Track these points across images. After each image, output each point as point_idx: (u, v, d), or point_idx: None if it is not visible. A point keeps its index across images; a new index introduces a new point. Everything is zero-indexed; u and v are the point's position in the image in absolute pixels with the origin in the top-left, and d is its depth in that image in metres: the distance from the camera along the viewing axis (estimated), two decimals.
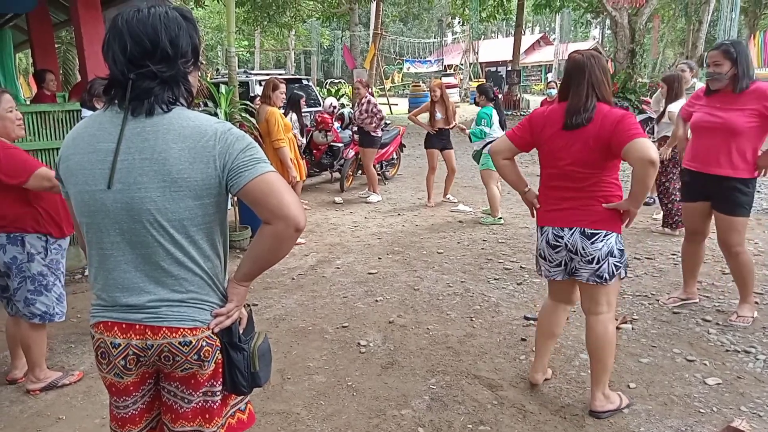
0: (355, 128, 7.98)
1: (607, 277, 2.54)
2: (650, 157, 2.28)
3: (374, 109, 7.44)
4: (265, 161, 1.42)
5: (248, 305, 1.63)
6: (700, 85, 5.49)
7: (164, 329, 1.43)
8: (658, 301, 3.98)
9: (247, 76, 11.04)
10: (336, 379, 3.10)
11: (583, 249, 2.53)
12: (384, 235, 6.07)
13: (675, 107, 5.01)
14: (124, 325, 1.45)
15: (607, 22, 21.34)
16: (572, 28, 38.37)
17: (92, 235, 1.45)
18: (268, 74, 11.76)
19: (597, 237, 2.52)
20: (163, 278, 1.43)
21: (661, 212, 5.78)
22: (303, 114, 7.75)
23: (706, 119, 3.50)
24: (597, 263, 2.52)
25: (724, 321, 3.61)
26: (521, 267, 4.82)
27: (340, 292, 4.42)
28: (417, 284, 4.52)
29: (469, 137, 6.55)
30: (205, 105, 6.27)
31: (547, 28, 48.77)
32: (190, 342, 1.44)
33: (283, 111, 6.22)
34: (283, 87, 5.69)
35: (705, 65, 3.59)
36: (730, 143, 3.38)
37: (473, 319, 3.83)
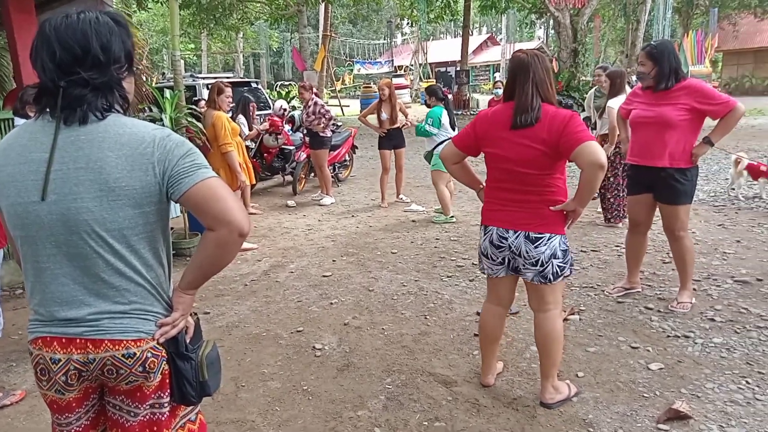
0: (305, 131, 7.94)
1: (552, 278, 2.59)
2: (600, 161, 2.32)
3: (321, 110, 7.41)
4: (206, 166, 1.41)
5: (195, 314, 1.61)
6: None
7: (106, 342, 1.39)
8: (603, 291, 4.12)
9: (194, 80, 10.84)
10: (291, 384, 3.08)
11: (527, 252, 2.56)
12: (338, 237, 6.06)
13: (615, 104, 5.20)
14: (63, 340, 1.40)
15: (551, 22, 21.93)
16: (518, 29, 39.22)
17: (27, 249, 1.40)
18: (215, 78, 11.56)
19: (541, 240, 2.54)
20: (103, 290, 1.39)
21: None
22: (254, 118, 7.68)
23: (641, 114, 3.67)
24: (541, 265, 2.56)
25: (665, 308, 3.78)
26: (473, 264, 4.90)
27: (294, 296, 4.39)
28: (371, 285, 4.54)
29: (417, 130, 6.53)
30: (150, 110, 6.12)
31: (494, 29, 49.76)
32: (134, 354, 1.40)
33: (230, 114, 6.13)
34: (228, 90, 5.61)
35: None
36: (665, 136, 3.55)
37: (427, 317, 3.87)
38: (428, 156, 6.59)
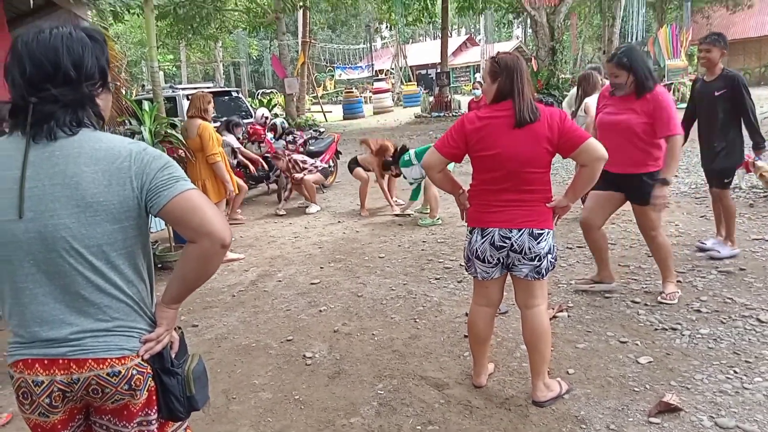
0: (289, 138, 7.94)
1: (544, 273, 2.64)
2: (604, 155, 2.47)
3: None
4: (185, 179, 1.40)
5: (179, 328, 1.59)
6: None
7: (90, 361, 1.37)
8: (591, 287, 4.15)
9: (173, 91, 10.74)
10: (283, 394, 3.06)
11: (530, 249, 2.58)
12: (325, 244, 6.04)
13: (591, 100, 5.26)
14: (46, 361, 1.37)
15: (528, 21, 22.11)
16: (496, 29, 39.51)
17: (3, 269, 1.37)
18: (195, 88, 11.46)
19: (542, 236, 2.58)
20: (85, 308, 1.37)
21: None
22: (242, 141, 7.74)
23: (606, 120, 3.70)
24: (539, 261, 2.60)
25: (651, 301, 3.81)
26: (461, 265, 4.90)
27: (283, 305, 4.37)
28: (360, 290, 4.53)
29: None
30: (129, 123, 6.05)
31: (473, 30, 50.02)
32: (119, 372, 1.38)
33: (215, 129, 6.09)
34: (209, 97, 5.59)
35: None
36: (631, 142, 3.57)
37: (417, 320, 3.87)
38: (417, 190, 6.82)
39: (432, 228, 6.30)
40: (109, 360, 1.38)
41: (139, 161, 1.35)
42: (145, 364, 1.43)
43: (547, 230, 2.60)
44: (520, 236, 2.58)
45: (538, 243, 2.58)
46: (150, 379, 1.45)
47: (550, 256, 2.63)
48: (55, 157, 1.32)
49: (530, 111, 2.50)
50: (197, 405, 1.55)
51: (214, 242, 1.35)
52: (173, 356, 1.51)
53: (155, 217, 1.40)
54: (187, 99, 10.18)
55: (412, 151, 6.60)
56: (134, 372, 1.40)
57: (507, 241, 2.60)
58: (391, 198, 7.59)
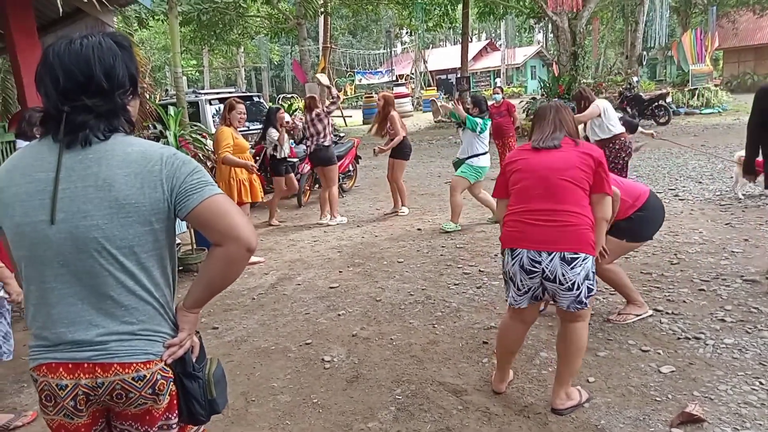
0: (309, 143, 7.91)
1: (586, 302, 2.56)
2: (607, 217, 2.65)
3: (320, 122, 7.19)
4: (212, 183, 1.42)
5: (197, 332, 1.60)
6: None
7: (115, 365, 1.37)
8: (613, 295, 4.09)
9: (196, 96, 10.89)
10: (301, 397, 3.08)
11: (563, 275, 2.48)
12: (344, 248, 6.07)
13: (602, 102, 5.56)
14: (70, 365, 1.37)
15: (549, 26, 21.98)
16: (517, 34, 39.33)
17: (32, 270, 1.40)
18: (218, 93, 11.63)
19: (576, 261, 2.49)
20: (112, 309, 1.38)
21: None
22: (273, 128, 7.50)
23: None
24: (577, 289, 2.50)
25: (674, 310, 3.75)
26: (480, 271, 4.89)
27: (302, 308, 4.39)
28: (379, 295, 4.53)
29: (468, 121, 6.30)
30: (154, 127, 6.16)
31: (493, 35, 49.87)
32: (144, 376, 1.39)
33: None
34: (240, 107, 5.63)
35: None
36: None
37: (435, 325, 3.86)
38: (458, 163, 6.52)
39: (452, 233, 6.28)
40: (134, 364, 1.38)
41: (169, 165, 1.37)
42: (168, 369, 1.44)
43: (583, 254, 2.50)
44: (551, 261, 2.49)
45: (573, 269, 2.48)
46: (171, 383, 1.45)
47: (587, 282, 2.51)
48: (88, 160, 1.34)
49: (551, 139, 2.67)
50: (218, 408, 1.55)
51: (240, 246, 1.37)
52: (194, 360, 1.52)
53: (182, 220, 1.42)
54: (210, 104, 10.35)
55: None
56: (158, 377, 1.41)
57: (537, 265, 2.52)
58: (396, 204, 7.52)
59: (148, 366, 1.40)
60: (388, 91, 8.32)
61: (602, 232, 2.66)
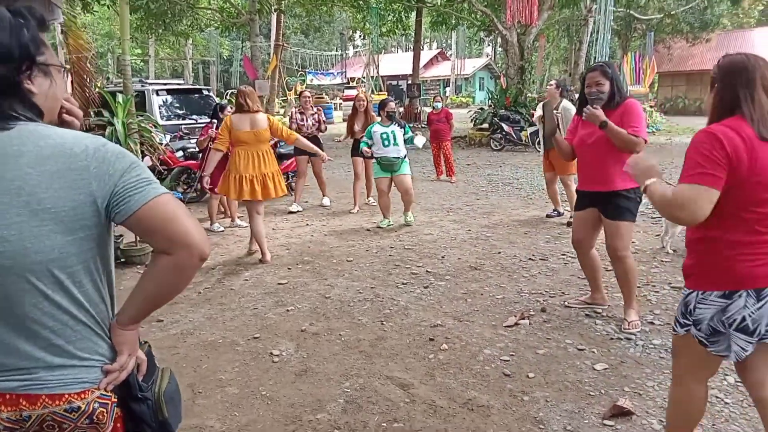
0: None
1: None
2: None
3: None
4: (155, 181, 1.22)
5: (145, 342, 1.41)
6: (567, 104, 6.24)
7: (44, 397, 1.18)
8: (552, 297, 4.30)
9: (143, 86, 10.61)
10: (249, 389, 3.08)
11: None
12: (293, 245, 6.06)
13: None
14: None
15: (499, 40, 22.63)
16: (467, 45, 40.21)
17: None
18: (164, 83, 11.35)
19: None
20: (36, 331, 1.16)
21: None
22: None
23: (581, 140, 3.76)
24: None
25: (608, 312, 3.98)
26: (427, 271, 5.01)
27: (250, 303, 4.37)
28: (328, 292, 4.57)
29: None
30: (99, 114, 5.96)
31: (444, 45, 50.78)
32: (79, 407, 1.20)
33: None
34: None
35: (584, 84, 3.77)
36: (607, 160, 3.60)
37: (384, 322, 3.94)
38: (400, 162, 6.68)
39: (399, 234, 6.39)
40: (66, 396, 1.19)
41: (98, 159, 1.15)
42: (108, 394, 1.26)
43: None
44: None
45: None
46: (116, 407, 1.27)
47: None
48: None
49: None
50: (171, 429, 1.38)
51: (192, 254, 1.19)
52: (140, 380, 1.33)
53: (120, 224, 1.21)
54: (157, 94, 10.09)
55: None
56: (96, 406, 1.22)
57: None
58: (369, 196, 7.91)
59: (83, 396, 1.21)
60: (340, 93, 8.62)
61: None
